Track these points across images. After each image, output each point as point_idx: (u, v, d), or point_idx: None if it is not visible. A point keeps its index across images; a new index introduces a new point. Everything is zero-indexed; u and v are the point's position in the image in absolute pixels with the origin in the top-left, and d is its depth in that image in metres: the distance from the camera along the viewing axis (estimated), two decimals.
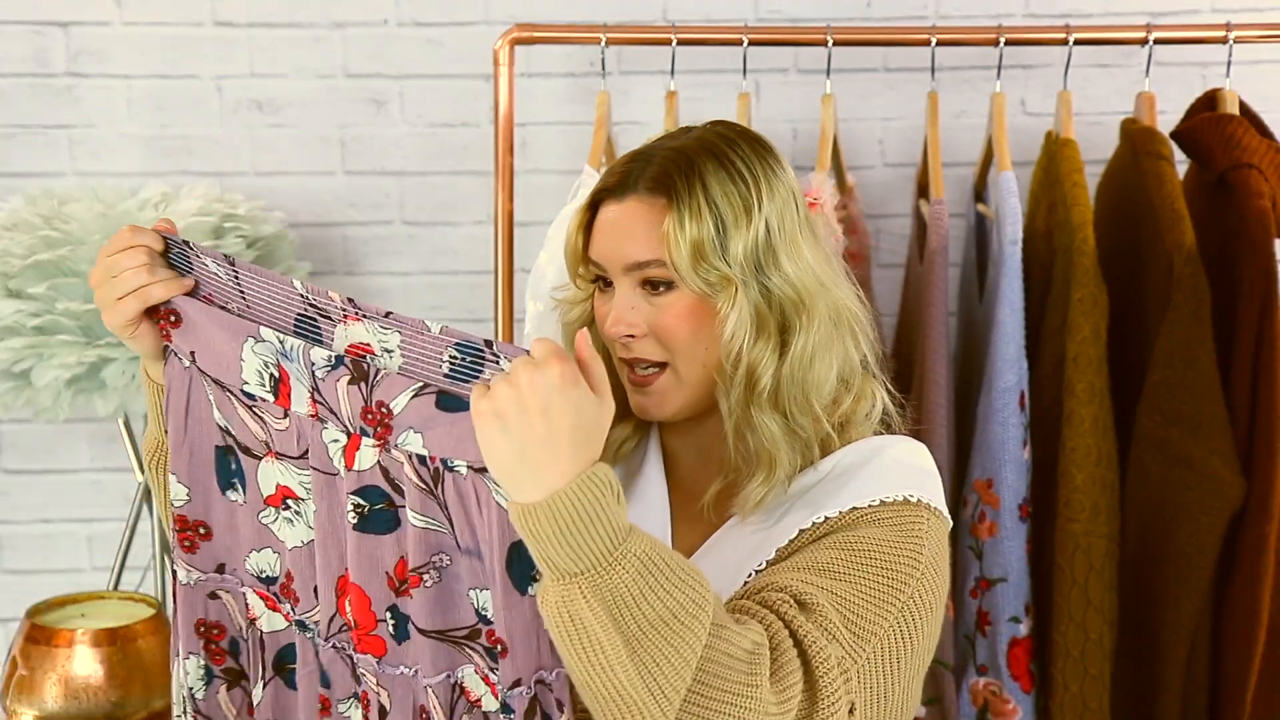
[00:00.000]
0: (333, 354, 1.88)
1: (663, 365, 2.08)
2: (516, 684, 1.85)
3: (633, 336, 2.07)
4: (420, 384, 1.83)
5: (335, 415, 1.90)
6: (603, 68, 3.26)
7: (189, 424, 2.00)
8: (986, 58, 3.37)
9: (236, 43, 3.63)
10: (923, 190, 3.42)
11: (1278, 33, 3.20)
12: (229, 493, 2.01)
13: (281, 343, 1.92)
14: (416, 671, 1.93)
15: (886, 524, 2.03)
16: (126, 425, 3.41)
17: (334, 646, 1.99)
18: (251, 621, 2.07)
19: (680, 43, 3.18)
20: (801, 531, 2.05)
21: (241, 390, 1.95)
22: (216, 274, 1.98)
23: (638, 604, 1.69)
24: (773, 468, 2.06)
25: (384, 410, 1.85)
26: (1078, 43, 3.18)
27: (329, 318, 1.91)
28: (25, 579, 3.79)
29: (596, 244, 2.10)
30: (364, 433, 1.88)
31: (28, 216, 3.23)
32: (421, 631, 1.91)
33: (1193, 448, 2.96)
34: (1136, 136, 3.13)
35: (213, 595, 2.06)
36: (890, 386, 2.19)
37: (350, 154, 3.68)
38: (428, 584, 1.88)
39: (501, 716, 1.88)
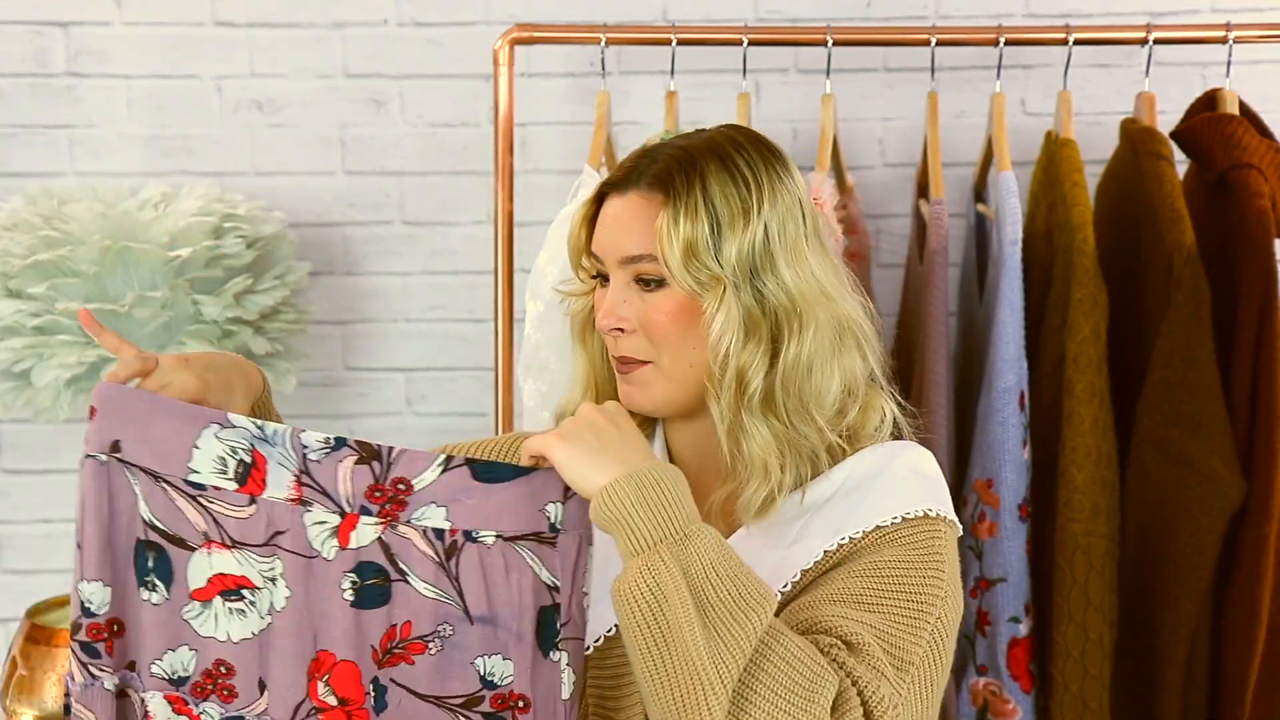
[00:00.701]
0: (331, 437, 1.91)
1: (644, 365, 2.09)
2: None
3: (621, 330, 2.08)
4: (445, 457, 1.90)
5: (328, 496, 1.90)
6: (603, 68, 3.26)
7: (112, 523, 1.96)
8: (986, 58, 3.37)
9: (236, 43, 3.63)
10: (923, 190, 3.43)
11: (1278, 33, 3.20)
12: (142, 590, 1.96)
13: (260, 428, 1.92)
14: None
15: (909, 544, 2.03)
16: None
17: None
18: None
19: (680, 43, 3.18)
20: (826, 553, 2.05)
21: (184, 480, 1.93)
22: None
23: (712, 576, 1.81)
24: (766, 473, 2.05)
25: (400, 487, 1.90)
26: (1078, 43, 3.18)
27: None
28: (25, 579, 3.79)
29: (597, 237, 2.11)
30: (365, 511, 1.90)
31: (28, 216, 3.23)
32: (420, 696, 1.92)
33: (1193, 448, 2.96)
34: (1136, 136, 3.13)
35: (121, 693, 2.01)
36: (899, 398, 2.18)
37: (350, 154, 3.68)
38: (431, 651, 1.91)
39: None
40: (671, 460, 2.22)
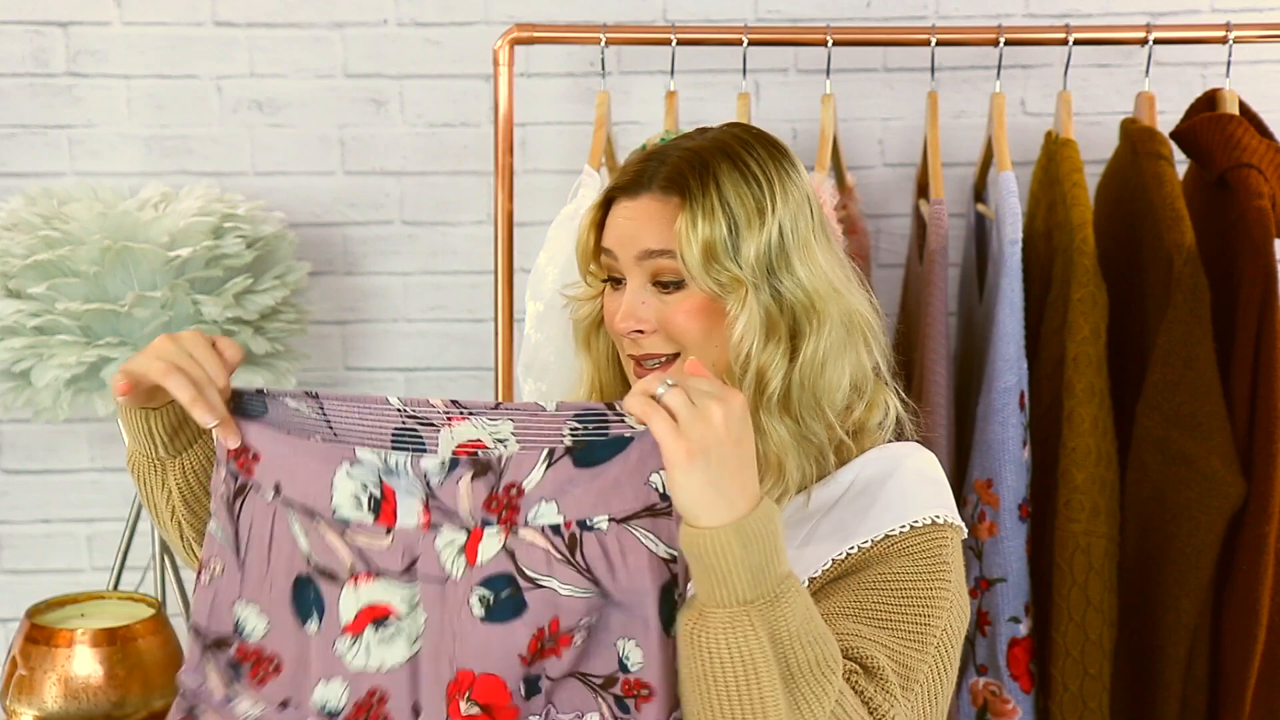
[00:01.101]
0: (445, 459, 1.91)
1: (673, 356, 2.09)
2: None
3: (641, 332, 2.08)
4: (548, 450, 1.87)
5: (453, 516, 1.91)
6: (602, 67, 3.26)
7: (272, 556, 1.98)
8: (986, 58, 3.38)
9: (236, 43, 3.63)
10: (922, 190, 3.43)
11: (1277, 33, 3.20)
12: (308, 623, 1.98)
13: (385, 460, 1.93)
14: (547, 714, 1.92)
15: (918, 554, 2.03)
16: None
17: None
18: None
19: (680, 43, 3.18)
20: (835, 561, 2.04)
21: (333, 516, 1.95)
22: (299, 409, 1.97)
23: (797, 642, 1.76)
24: (781, 473, 2.06)
25: (513, 492, 1.89)
26: (1077, 43, 3.19)
27: (431, 424, 1.92)
28: (25, 579, 3.79)
29: (609, 235, 2.11)
30: (486, 523, 1.90)
31: (27, 216, 3.23)
32: (564, 675, 1.91)
33: (1192, 447, 2.96)
34: (1136, 136, 3.13)
35: None
36: (902, 393, 2.19)
37: (350, 154, 3.68)
38: (577, 642, 1.90)
39: None
40: None
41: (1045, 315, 3.10)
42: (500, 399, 3.21)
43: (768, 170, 2.07)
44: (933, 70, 3.27)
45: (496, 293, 3.20)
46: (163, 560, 3.45)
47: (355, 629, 1.95)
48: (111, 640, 3.01)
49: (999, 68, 3.22)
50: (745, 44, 3.18)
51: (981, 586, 3.06)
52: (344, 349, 3.74)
